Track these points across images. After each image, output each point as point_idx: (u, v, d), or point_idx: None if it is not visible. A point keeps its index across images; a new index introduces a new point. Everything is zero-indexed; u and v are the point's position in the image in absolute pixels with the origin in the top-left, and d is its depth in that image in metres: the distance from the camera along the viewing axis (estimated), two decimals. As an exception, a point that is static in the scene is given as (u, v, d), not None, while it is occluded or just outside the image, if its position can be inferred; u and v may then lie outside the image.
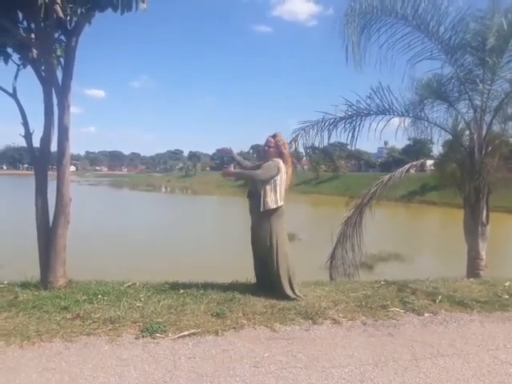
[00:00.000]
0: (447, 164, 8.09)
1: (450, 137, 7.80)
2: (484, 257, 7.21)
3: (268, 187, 4.23)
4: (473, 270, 7.11)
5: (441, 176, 8.48)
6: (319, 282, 5.01)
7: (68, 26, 4.47)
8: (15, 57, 4.69)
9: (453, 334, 3.56)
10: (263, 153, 4.49)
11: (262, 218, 4.30)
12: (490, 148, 7.10)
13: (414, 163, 7.99)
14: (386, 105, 6.91)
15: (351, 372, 2.83)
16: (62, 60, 4.68)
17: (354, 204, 7.40)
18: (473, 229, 7.21)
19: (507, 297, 4.58)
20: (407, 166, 7.65)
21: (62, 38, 4.63)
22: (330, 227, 7.57)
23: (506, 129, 7.41)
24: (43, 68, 4.52)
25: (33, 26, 4.46)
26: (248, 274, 4.72)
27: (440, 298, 4.40)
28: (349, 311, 3.96)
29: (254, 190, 4.31)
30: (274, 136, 4.41)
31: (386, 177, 7.48)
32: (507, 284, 5.06)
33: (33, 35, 4.47)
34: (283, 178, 4.31)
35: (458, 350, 3.25)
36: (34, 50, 4.53)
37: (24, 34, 4.40)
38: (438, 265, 12.81)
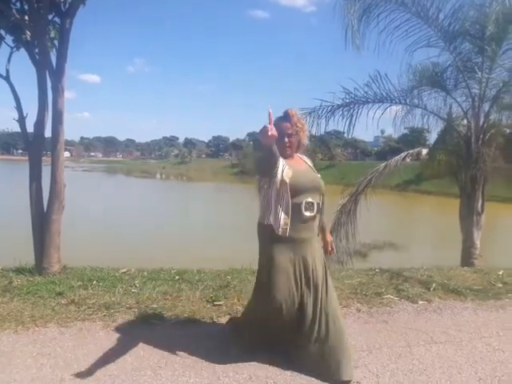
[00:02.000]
0: (439, 153, 8.10)
1: (446, 125, 7.81)
2: (478, 246, 7.27)
3: None
4: (467, 258, 7.17)
5: (432, 165, 8.45)
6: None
7: (62, 8, 4.40)
8: (8, 39, 4.61)
9: (446, 322, 3.58)
10: (282, 148, 2.61)
11: None
12: (486, 137, 7.11)
13: (410, 152, 7.99)
14: (383, 93, 6.88)
15: (345, 358, 2.84)
16: (55, 42, 4.60)
17: (349, 192, 7.40)
18: (468, 218, 7.26)
19: (501, 285, 4.62)
20: (403, 155, 7.66)
21: (56, 19, 4.54)
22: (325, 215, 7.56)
23: (502, 118, 7.42)
24: (37, 50, 4.45)
25: (26, 7, 4.37)
26: (243, 261, 4.72)
27: (434, 285, 4.43)
28: (343, 298, 3.98)
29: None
30: (287, 117, 2.71)
31: (382, 165, 7.49)
32: (501, 273, 5.10)
33: (26, 17, 4.38)
34: None
35: (451, 337, 3.28)
36: (28, 32, 4.45)
37: (17, 16, 4.31)
38: (432, 253, 12.90)
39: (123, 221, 19.65)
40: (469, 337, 3.29)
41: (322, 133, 7.51)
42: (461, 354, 2.99)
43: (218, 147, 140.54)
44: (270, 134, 2.11)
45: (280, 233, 2.54)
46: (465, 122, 7.42)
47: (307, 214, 2.61)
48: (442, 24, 6.60)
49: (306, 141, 2.87)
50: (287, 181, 2.55)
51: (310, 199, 2.62)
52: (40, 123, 4.47)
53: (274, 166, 2.42)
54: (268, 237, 2.61)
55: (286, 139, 2.68)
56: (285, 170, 2.56)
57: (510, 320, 3.68)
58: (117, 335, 3.05)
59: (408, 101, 7.24)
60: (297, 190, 2.58)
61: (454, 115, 7.55)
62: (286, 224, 2.55)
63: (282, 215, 2.56)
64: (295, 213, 2.58)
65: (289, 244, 2.59)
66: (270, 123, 2.14)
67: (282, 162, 2.53)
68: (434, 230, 20.79)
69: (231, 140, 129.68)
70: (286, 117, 2.72)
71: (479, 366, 2.82)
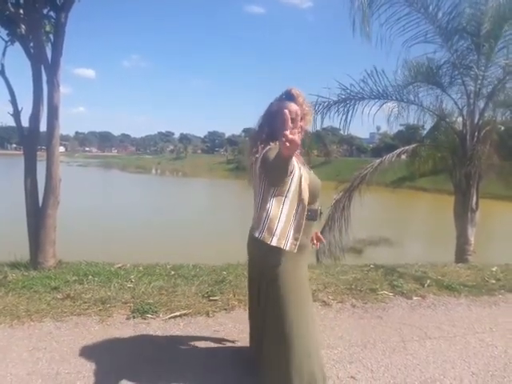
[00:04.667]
0: (425, 149, 8.13)
1: (437, 122, 7.85)
2: (472, 242, 7.31)
3: None
4: (461, 255, 7.22)
5: (419, 162, 8.44)
6: (309, 265, 5.00)
7: (57, 2, 4.36)
8: (3, 33, 4.58)
9: (440, 318, 3.61)
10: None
11: None
12: (481, 134, 7.14)
13: (405, 148, 7.99)
14: (379, 89, 6.88)
15: (340, 353, 2.87)
16: (51, 36, 4.57)
17: (343, 188, 7.41)
18: (462, 215, 7.29)
19: (494, 281, 4.65)
20: (398, 151, 7.66)
21: (51, 13, 4.51)
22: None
23: (497, 115, 7.45)
24: (32, 44, 4.42)
25: (21, 0, 4.34)
26: (239, 257, 4.72)
27: (428, 282, 4.45)
28: (338, 294, 4.00)
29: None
30: (291, 97, 2.28)
31: (377, 161, 7.49)
32: (494, 269, 5.13)
33: (21, 10, 4.35)
34: None
35: (445, 332, 3.31)
36: (23, 26, 4.41)
37: (12, 9, 4.27)
38: (427, 250, 12.97)
39: (118, 216, 19.60)
40: (462, 332, 3.32)
41: (318, 129, 7.51)
42: (454, 349, 3.02)
43: (214, 143, 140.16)
44: (291, 138, 1.61)
45: (288, 248, 2.10)
46: (460, 119, 7.44)
47: (311, 222, 2.25)
48: (440, 21, 6.59)
49: (309, 128, 2.39)
50: (306, 188, 2.14)
51: (315, 206, 2.26)
52: (35, 117, 4.44)
53: (288, 174, 1.93)
54: (275, 253, 2.13)
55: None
56: (303, 174, 2.14)
57: (503, 316, 3.72)
58: (112, 330, 3.06)
59: (404, 97, 7.25)
60: (311, 197, 2.18)
61: (449, 112, 7.58)
62: (296, 239, 2.12)
63: (293, 229, 2.12)
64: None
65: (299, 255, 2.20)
66: (286, 127, 1.63)
67: (295, 163, 2.04)
68: (428, 226, 20.87)
69: (227, 136, 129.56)
70: (290, 97, 2.28)
71: (472, 361, 2.85)
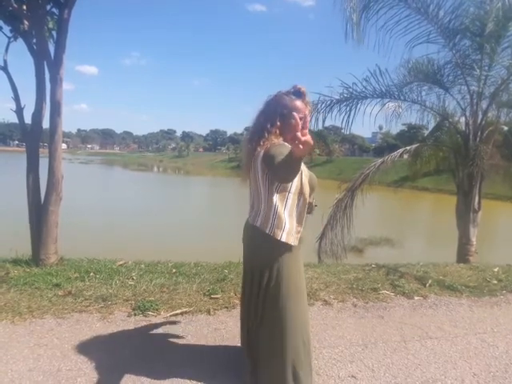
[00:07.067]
0: (427, 149, 8.11)
1: (439, 122, 7.84)
2: (474, 243, 7.29)
3: None
4: (463, 255, 7.20)
5: (420, 162, 8.41)
6: (311, 264, 5.04)
7: (60, -2, 4.36)
8: (6, 29, 4.57)
9: (442, 318, 3.61)
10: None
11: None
12: (484, 134, 7.12)
13: (408, 148, 7.96)
14: (382, 88, 6.84)
15: (341, 352, 2.87)
16: (53, 33, 4.58)
17: (345, 187, 7.39)
18: (465, 215, 7.28)
19: (496, 282, 4.65)
20: (400, 151, 7.63)
21: (54, 10, 4.51)
22: (321, 209, 7.56)
23: (500, 116, 7.43)
24: (35, 41, 4.42)
25: (24, -4, 4.33)
26: (240, 255, 4.72)
27: (430, 282, 4.45)
28: (340, 293, 4.00)
29: None
30: (299, 94, 2.26)
31: (379, 161, 7.46)
32: (496, 269, 5.13)
33: (24, 7, 4.34)
34: None
35: (446, 332, 3.30)
36: (26, 22, 4.41)
37: (15, 5, 4.27)
38: (428, 249, 12.95)
39: (120, 213, 19.60)
40: (463, 332, 3.32)
41: (320, 128, 7.48)
42: (455, 349, 3.02)
43: (216, 141, 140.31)
44: (304, 140, 1.62)
45: (292, 242, 2.15)
46: (463, 119, 7.42)
47: (308, 215, 2.29)
48: (442, 20, 6.56)
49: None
50: (307, 183, 2.22)
51: (310, 199, 2.28)
52: (38, 113, 4.44)
53: (298, 172, 1.93)
54: (280, 248, 2.16)
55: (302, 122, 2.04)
56: (302, 169, 2.16)
57: (505, 316, 3.71)
58: (113, 327, 3.06)
59: (407, 97, 7.22)
60: (310, 191, 2.25)
61: (451, 112, 7.55)
62: (298, 232, 2.19)
63: (296, 223, 2.19)
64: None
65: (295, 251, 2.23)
66: (297, 128, 1.65)
67: None
68: (430, 226, 20.84)
69: (229, 134, 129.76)
70: (299, 94, 2.25)
71: (473, 361, 2.85)
